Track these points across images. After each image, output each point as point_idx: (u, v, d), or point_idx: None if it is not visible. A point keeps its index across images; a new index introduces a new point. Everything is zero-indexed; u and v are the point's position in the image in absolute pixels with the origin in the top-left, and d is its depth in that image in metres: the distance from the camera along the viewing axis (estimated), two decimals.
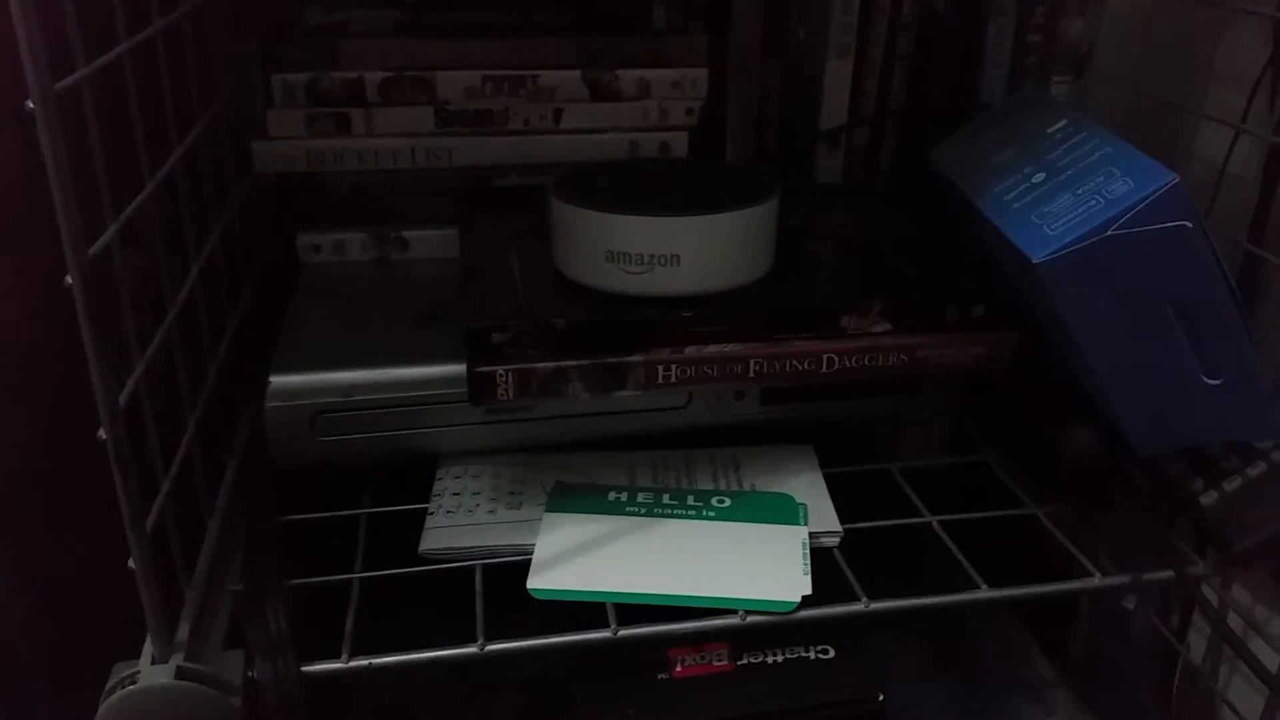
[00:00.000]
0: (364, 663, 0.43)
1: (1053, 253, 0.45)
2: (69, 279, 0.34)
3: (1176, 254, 0.45)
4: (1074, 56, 0.64)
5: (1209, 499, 0.51)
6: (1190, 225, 0.44)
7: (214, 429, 0.53)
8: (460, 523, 0.51)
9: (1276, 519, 0.49)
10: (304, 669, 0.43)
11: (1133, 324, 0.46)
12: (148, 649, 0.41)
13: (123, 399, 0.37)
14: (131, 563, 0.39)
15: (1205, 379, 0.48)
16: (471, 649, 0.44)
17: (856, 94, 0.65)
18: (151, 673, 0.40)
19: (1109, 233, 0.44)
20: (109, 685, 0.40)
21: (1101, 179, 0.46)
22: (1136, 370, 0.48)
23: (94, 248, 0.35)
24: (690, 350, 0.50)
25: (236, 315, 0.59)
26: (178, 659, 0.41)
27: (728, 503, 0.53)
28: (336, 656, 0.43)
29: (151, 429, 0.42)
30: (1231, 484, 0.51)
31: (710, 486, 0.54)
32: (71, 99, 0.35)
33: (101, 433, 0.36)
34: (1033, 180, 0.50)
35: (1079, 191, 0.47)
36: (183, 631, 0.42)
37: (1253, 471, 0.51)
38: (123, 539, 0.39)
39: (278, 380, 0.51)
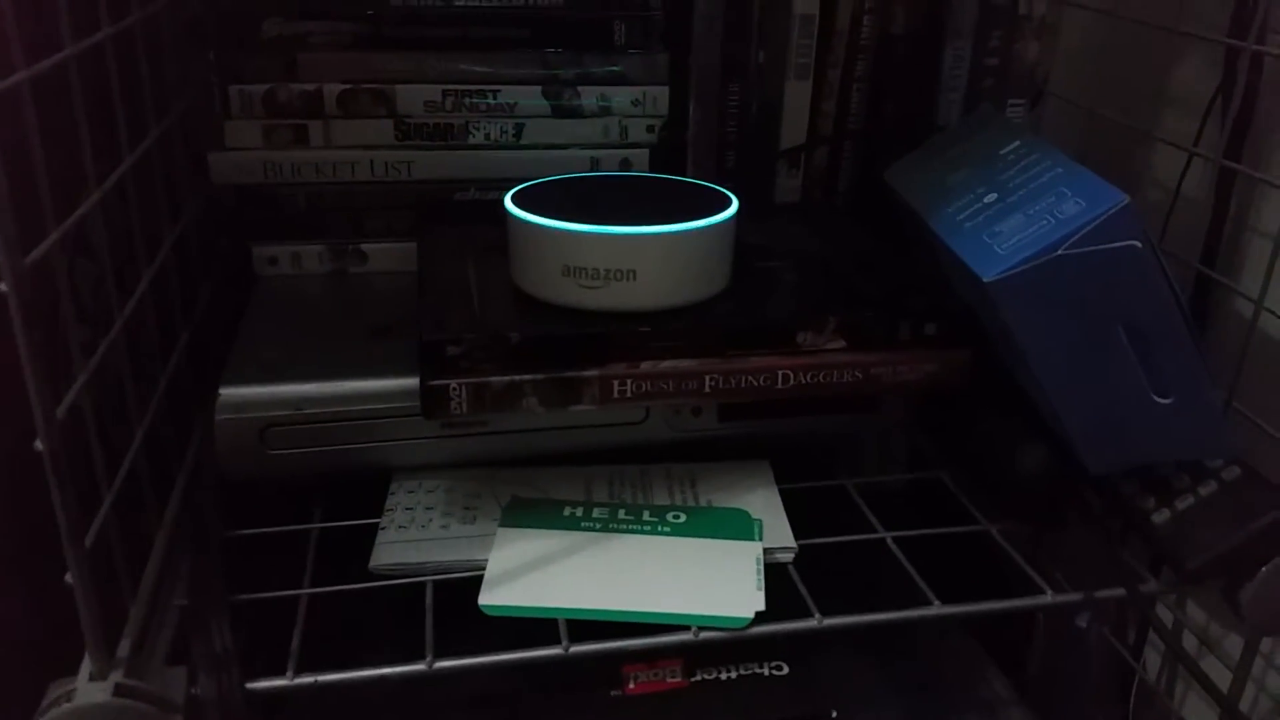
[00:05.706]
0: (310, 680, 0.43)
1: (1003, 272, 0.45)
2: (2, 285, 0.33)
3: (1127, 274, 0.45)
4: (1030, 80, 0.65)
5: (1161, 518, 0.51)
6: (1140, 245, 0.45)
7: (165, 442, 0.52)
8: (412, 538, 0.50)
9: (1228, 537, 0.49)
10: (248, 686, 0.42)
11: (1083, 343, 0.47)
12: (86, 665, 0.40)
13: (61, 409, 0.37)
14: (69, 577, 0.38)
15: (1156, 398, 0.48)
16: (420, 666, 0.43)
17: (815, 115, 0.66)
18: (89, 690, 0.39)
19: (1059, 252, 0.45)
20: (44, 704, 0.39)
21: (1053, 199, 0.47)
22: (1087, 389, 0.48)
23: (33, 254, 0.35)
24: (646, 365, 0.49)
25: (189, 327, 0.59)
26: (117, 676, 0.40)
27: (683, 518, 0.52)
28: (282, 673, 0.43)
29: (94, 440, 0.41)
30: (1183, 503, 0.51)
31: (666, 502, 0.54)
32: (10, 103, 0.34)
33: (38, 443, 0.36)
34: (985, 200, 0.50)
35: (1030, 211, 0.47)
36: (124, 648, 0.41)
37: (1204, 490, 0.51)
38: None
39: (227, 392, 0.50)
